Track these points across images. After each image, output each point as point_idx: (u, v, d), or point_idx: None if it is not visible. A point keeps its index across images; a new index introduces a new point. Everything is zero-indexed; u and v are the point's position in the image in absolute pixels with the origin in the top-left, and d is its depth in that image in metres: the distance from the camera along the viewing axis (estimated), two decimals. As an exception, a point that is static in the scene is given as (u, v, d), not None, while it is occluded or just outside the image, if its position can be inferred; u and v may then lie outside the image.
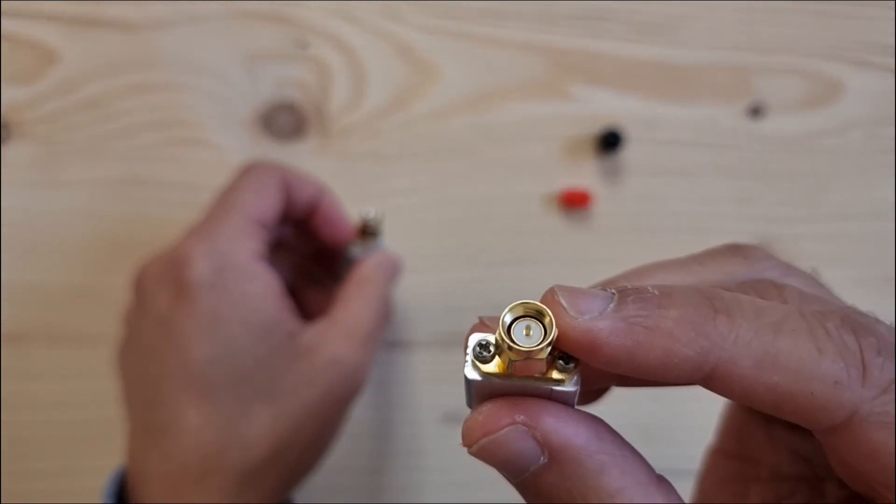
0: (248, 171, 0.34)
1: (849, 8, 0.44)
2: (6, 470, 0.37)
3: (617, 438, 0.17)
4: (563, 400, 0.17)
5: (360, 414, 0.39)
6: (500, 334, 0.16)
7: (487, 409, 0.17)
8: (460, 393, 0.43)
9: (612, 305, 0.16)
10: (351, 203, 0.38)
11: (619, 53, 0.42)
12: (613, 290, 0.17)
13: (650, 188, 0.42)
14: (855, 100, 0.44)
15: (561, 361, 0.17)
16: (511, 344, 0.16)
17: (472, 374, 0.17)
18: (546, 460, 0.16)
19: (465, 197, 0.41)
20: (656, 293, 0.16)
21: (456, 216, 0.41)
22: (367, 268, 0.35)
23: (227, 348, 0.30)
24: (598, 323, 0.16)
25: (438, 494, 0.39)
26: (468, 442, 0.17)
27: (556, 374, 0.16)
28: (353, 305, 0.33)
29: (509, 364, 0.16)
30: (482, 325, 0.18)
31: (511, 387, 0.17)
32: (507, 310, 0.16)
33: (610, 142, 0.41)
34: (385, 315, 0.35)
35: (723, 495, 0.24)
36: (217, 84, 0.40)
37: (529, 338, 0.16)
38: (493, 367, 0.17)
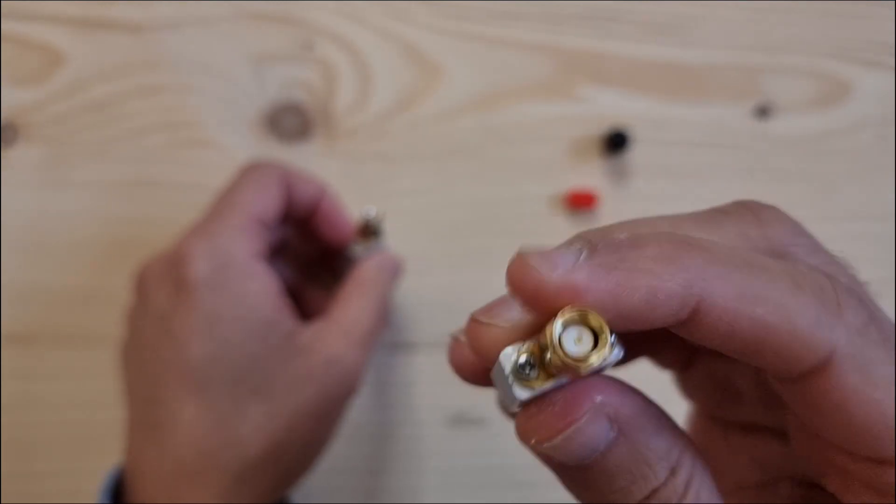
0: (249, 171, 0.34)
1: (858, 8, 0.43)
2: (7, 471, 0.38)
3: (650, 400, 0.17)
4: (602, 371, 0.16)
5: (362, 416, 0.39)
6: (555, 352, 0.15)
7: (562, 398, 0.16)
8: (464, 395, 0.43)
9: (583, 255, 0.16)
10: (357, 204, 0.38)
11: (627, 54, 0.42)
12: (580, 245, 0.16)
13: (657, 189, 0.42)
14: (864, 100, 0.43)
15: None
16: (568, 360, 0.15)
17: (524, 394, 0.16)
18: (615, 434, 0.16)
19: (471, 198, 0.41)
20: (625, 238, 0.16)
21: (462, 217, 0.41)
22: (367, 268, 0.35)
23: (225, 346, 0.30)
24: (574, 274, 0.15)
25: (440, 496, 0.39)
26: (546, 435, 0.16)
27: (597, 352, 0.16)
28: (351, 305, 0.33)
29: (559, 367, 0.16)
30: (464, 342, 0.18)
31: (560, 383, 0.16)
32: (558, 320, 0.16)
33: (617, 142, 0.40)
34: (384, 316, 0.35)
35: None
36: (224, 85, 0.40)
37: (581, 343, 0.16)
38: (536, 377, 0.16)
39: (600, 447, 0.16)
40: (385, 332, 0.39)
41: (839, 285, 0.16)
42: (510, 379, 0.16)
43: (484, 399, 0.40)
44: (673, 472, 0.16)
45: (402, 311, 0.40)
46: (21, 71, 0.39)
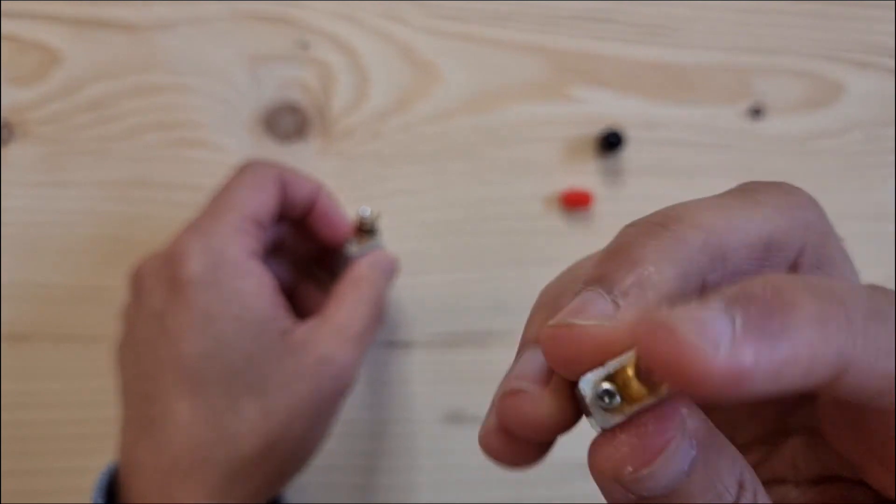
0: (245, 170, 0.34)
1: (849, 9, 0.44)
2: (7, 469, 0.38)
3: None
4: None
5: (357, 413, 0.40)
6: (594, 404, 0.15)
7: (654, 417, 0.15)
8: (459, 393, 0.43)
9: (738, 322, 0.14)
10: (353, 203, 0.38)
11: (620, 54, 0.43)
12: (723, 302, 0.14)
13: (651, 188, 0.42)
14: (855, 101, 0.44)
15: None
16: (609, 412, 0.15)
17: (609, 422, 0.15)
18: (695, 452, 0.15)
19: (466, 198, 0.41)
20: (769, 292, 0.14)
21: (457, 217, 0.41)
22: (361, 267, 0.35)
23: (219, 344, 0.30)
24: (740, 354, 0.13)
25: (434, 494, 0.40)
26: (644, 460, 0.15)
27: (653, 388, 0.15)
28: (345, 304, 0.33)
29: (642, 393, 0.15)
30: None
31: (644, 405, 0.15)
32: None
33: (611, 142, 0.41)
34: (378, 315, 0.35)
35: None
36: (220, 85, 0.40)
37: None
38: (619, 404, 0.15)
39: (686, 468, 0.15)
40: (380, 330, 0.39)
41: None
42: (592, 408, 0.15)
43: (479, 397, 0.40)
44: (741, 485, 0.16)
45: (397, 310, 0.40)
46: (18, 70, 0.39)
